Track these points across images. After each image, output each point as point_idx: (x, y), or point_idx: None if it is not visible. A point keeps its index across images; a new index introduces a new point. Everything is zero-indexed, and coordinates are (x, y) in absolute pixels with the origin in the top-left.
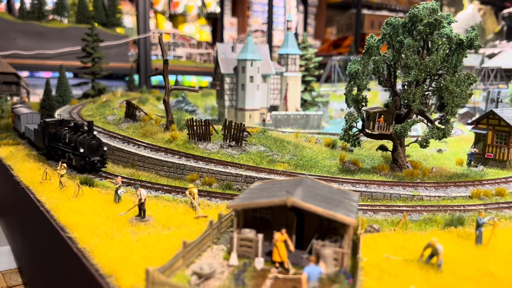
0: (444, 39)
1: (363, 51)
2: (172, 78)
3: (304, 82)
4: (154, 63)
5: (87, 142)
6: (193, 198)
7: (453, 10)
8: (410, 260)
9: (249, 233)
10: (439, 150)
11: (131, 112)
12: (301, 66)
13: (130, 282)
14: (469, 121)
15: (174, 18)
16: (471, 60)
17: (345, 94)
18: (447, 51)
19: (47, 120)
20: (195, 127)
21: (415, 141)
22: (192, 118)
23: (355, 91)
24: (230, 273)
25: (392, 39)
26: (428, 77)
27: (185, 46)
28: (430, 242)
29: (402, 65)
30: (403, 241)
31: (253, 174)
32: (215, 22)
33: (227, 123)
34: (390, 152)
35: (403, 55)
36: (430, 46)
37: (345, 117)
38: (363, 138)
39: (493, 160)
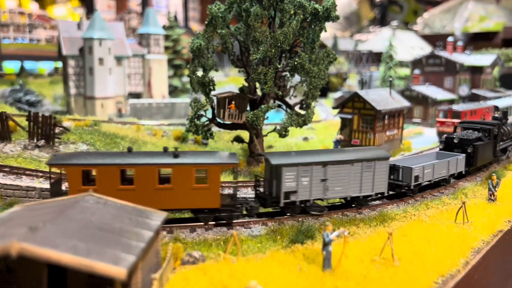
0: (297, 9)
1: (206, 22)
2: (16, 65)
3: (173, 66)
4: (5, 47)
5: None
6: None
7: None
8: None
9: None
10: (305, 138)
11: None
12: (167, 48)
13: None
14: (334, 105)
15: None
16: (346, 44)
17: (188, 75)
18: (302, 23)
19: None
20: None
21: (274, 130)
22: None
23: (200, 72)
24: None
25: (240, 8)
26: (284, 55)
27: (46, 28)
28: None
29: (251, 39)
30: (228, 276)
31: None
32: (90, 3)
33: (32, 116)
34: (247, 144)
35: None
36: (281, 16)
37: (190, 104)
38: (216, 129)
39: (360, 147)
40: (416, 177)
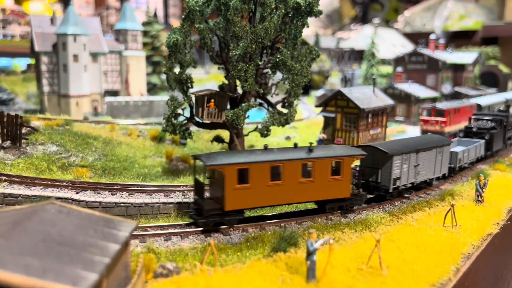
0: (279, 3)
1: (183, 16)
2: None
3: (152, 63)
4: None
5: None
6: None
7: None
8: None
9: None
10: (288, 138)
11: None
12: (146, 44)
13: None
14: (317, 103)
15: None
16: (327, 42)
17: (165, 72)
18: (284, 18)
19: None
20: None
21: (255, 130)
22: None
23: (177, 69)
24: None
25: (219, 2)
26: (265, 51)
27: (21, 24)
28: None
29: (230, 34)
30: None
31: (19, 190)
32: None
33: None
34: (227, 144)
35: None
36: (262, 10)
37: (167, 103)
38: (195, 128)
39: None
40: (460, 160)
